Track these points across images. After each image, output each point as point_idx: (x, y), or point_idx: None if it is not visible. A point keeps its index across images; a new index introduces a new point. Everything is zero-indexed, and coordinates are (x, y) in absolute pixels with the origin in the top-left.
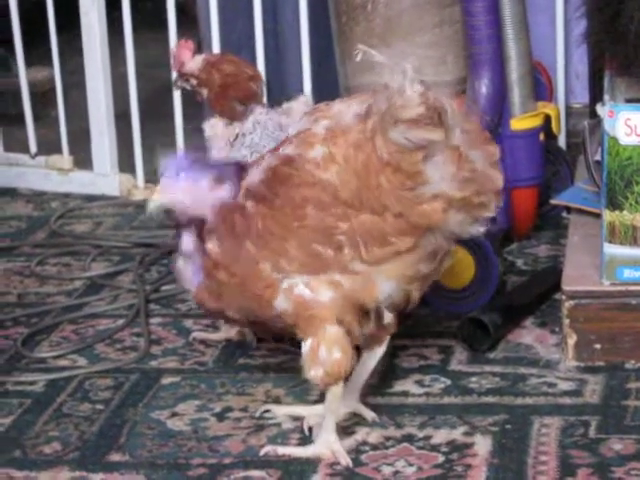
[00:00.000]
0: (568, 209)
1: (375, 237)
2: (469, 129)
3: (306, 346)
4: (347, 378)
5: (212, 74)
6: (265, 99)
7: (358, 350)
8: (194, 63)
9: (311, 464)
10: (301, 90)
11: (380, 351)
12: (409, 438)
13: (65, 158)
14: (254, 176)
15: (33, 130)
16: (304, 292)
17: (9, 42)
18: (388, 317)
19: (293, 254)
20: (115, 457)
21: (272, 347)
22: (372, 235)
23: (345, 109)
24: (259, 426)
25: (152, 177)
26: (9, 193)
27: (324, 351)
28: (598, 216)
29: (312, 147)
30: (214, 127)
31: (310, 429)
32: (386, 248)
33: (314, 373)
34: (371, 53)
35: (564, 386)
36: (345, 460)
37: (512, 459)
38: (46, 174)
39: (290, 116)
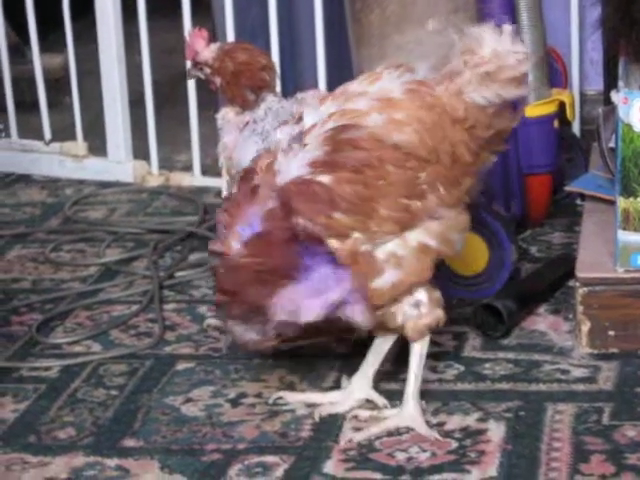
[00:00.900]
0: (582, 196)
1: (450, 180)
2: None
3: (412, 300)
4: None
5: (225, 62)
6: (278, 88)
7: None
8: (208, 52)
9: (325, 450)
10: (315, 78)
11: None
12: None
13: (79, 145)
14: (313, 153)
15: (47, 117)
16: (397, 249)
17: (24, 29)
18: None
19: (383, 214)
20: (129, 442)
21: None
22: (447, 179)
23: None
24: (273, 412)
25: (166, 164)
26: (23, 180)
27: (427, 304)
28: (612, 203)
29: (367, 115)
30: (225, 116)
31: (321, 417)
32: (459, 188)
33: (414, 324)
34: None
35: (577, 373)
36: (431, 434)
37: (525, 445)
38: (60, 161)
39: (303, 104)
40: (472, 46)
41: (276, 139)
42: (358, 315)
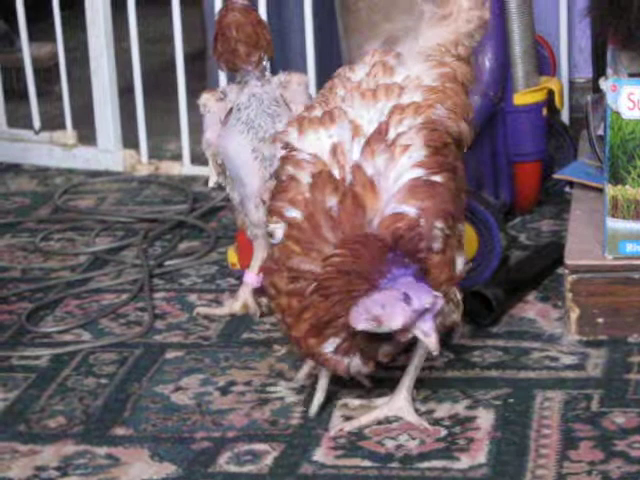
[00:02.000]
0: (571, 184)
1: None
2: None
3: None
4: None
5: (249, 18)
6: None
7: None
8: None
9: (314, 437)
10: (304, 67)
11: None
12: None
13: (69, 134)
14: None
15: (37, 106)
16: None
17: (12, 17)
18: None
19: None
20: (119, 431)
21: (275, 321)
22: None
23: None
24: (263, 400)
25: (155, 152)
26: (13, 169)
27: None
28: (601, 191)
29: (433, 108)
30: (207, 104)
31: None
32: None
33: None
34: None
35: (567, 360)
36: (420, 423)
37: (515, 432)
38: (50, 150)
39: (288, 89)
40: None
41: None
42: (430, 330)
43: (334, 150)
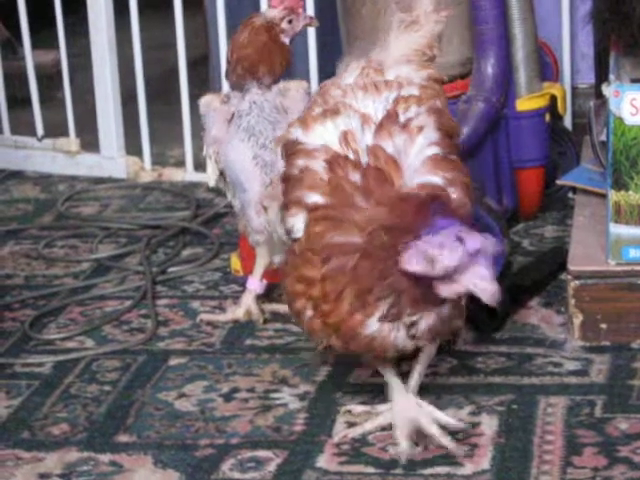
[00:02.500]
0: (574, 189)
1: None
2: None
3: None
4: None
5: (271, 32)
6: None
7: None
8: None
9: (317, 444)
10: (307, 71)
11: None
12: None
13: (72, 141)
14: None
15: (40, 113)
16: None
17: (15, 25)
18: None
19: None
20: (123, 438)
21: (279, 328)
22: None
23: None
24: (266, 407)
25: (158, 159)
26: (16, 176)
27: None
28: (604, 196)
29: (433, 100)
30: (211, 104)
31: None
32: None
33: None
34: None
35: (570, 366)
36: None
37: (518, 438)
38: (53, 157)
39: (287, 97)
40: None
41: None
42: (487, 274)
43: (345, 138)
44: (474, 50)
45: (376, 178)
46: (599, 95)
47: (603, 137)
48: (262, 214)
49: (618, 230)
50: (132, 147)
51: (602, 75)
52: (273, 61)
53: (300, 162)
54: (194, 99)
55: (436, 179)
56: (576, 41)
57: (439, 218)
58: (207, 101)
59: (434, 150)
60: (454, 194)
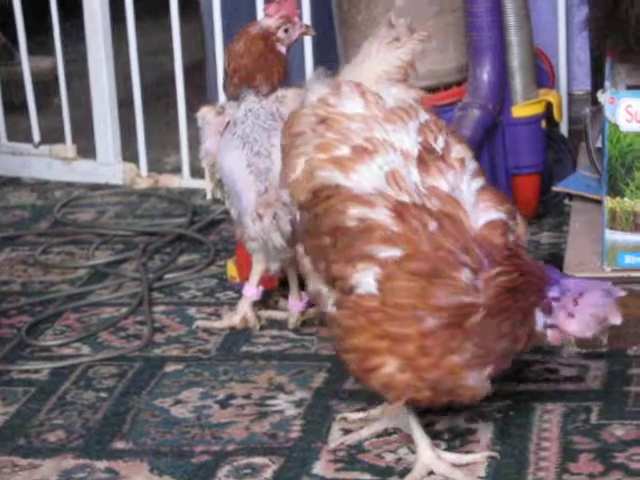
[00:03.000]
0: (570, 196)
1: None
2: None
3: None
4: None
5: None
6: None
7: None
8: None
9: (314, 451)
10: (303, 78)
11: None
12: None
13: (68, 147)
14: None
15: (36, 119)
16: None
17: (12, 31)
18: None
19: None
20: (119, 445)
21: (275, 335)
22: None
23: None
24: (262, 413)
25: (155, 165)
26: (13, 182)
27: None
28: (600, 203)
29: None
30: (205, 117)
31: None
32: None
33: None
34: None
35: (566, 372)
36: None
37: (514, 445)
38: (49, 163)
39: (284, 104)
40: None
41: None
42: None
43: (393, 178)
44: (470, 57)
45: (452, 225)
46: (595, 102)
47: (599, 144)
48: (257, 221)
49: (614, 236)
50: (128, 153)
51: (598, 82)
52: (270, 70)
53: (355, 212)
54: (190, 105)
55: (499, 215)
56: (572, 48)
57: (552, 272)
58: (203, 114)
59: (480, 182)
60: (517, 227)
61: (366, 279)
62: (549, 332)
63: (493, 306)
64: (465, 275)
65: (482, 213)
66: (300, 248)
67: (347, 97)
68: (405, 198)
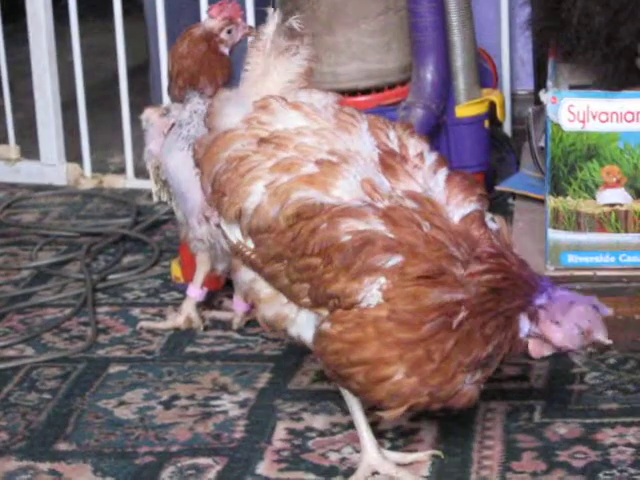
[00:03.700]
0: (513, 195)
1: None
2: None
3: None
4: None
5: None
6: None
7: None
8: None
9: (258, 451)
10: None
11: None
12: None
13: (12, 148)
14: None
15: None
16: None
17: None
18: None
19: None
20: (62, 446)
21: (219, 335)
22: None
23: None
24: (206, 414)
25: (99, 166)
26: None
27: None
28: (543, 202)
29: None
30: (150, 118)
31: None
32: None
33: None
34: None
35: (509, 371)
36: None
37: (458, 444)
38: None
39: None
40: None
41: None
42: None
43: (368, 187)
44: (413, 57)
45: (441, 222)
46: (538, 102)
47: (542, 143)
48: (204, 224)
49: (557, 236)
50: (72, 154)
51: (541, 82)
52: (213, 72)
53: (346, 226)
54: (135, 106)
55: (473, 206)
56: (515, 48)
57: (540, 278)
58: (147, 115)
59: (444, 173)
60: (501, 228)
61: (372, 291)
62: (531, 342)
63: (476, 305)
64: (459, 271)
65: (456, 209)
66: (246, 275)
67: (281, 112)
68: (387, 204)
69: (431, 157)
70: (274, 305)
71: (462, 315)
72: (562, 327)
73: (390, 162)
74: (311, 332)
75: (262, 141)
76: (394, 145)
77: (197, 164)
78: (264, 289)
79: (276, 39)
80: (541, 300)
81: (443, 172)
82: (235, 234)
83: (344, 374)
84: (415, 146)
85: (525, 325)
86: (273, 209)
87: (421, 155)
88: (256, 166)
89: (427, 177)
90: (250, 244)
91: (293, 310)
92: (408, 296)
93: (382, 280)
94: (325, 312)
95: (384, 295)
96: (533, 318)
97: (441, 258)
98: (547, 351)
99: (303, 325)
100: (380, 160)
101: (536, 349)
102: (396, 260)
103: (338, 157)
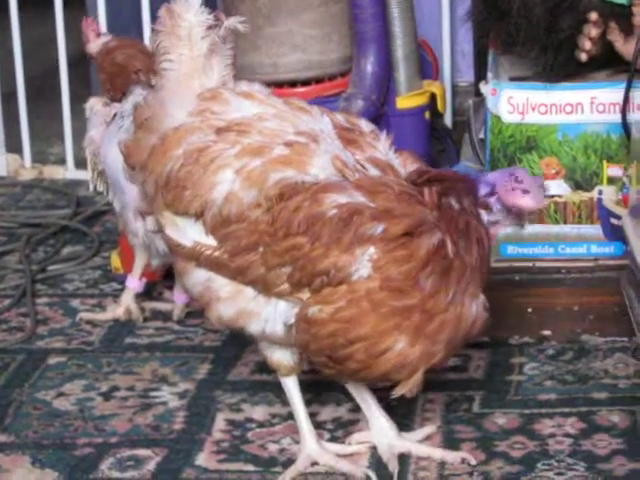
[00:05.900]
0: None
1: None
2: None
3: None
4: None
5: (105, 60)
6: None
7: None
8: (95, 45)
9: (197, 442)
10: None
11: None
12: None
13: None
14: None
15: None
16: None
17: None
18: None
19: None
20: (1, 438)
21: (159, 326)
22: None
23: None
24: (145, 405)
25: (39, 157)
26: None
27: None
28: None
29: None
30: (94, 107)
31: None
32: None
33: None
34: None
35: (449, 361)
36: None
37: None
38: None
39: None
40: None
41: None
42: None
43: (339, 162)
44: (354, 48)
45: (404, 183)
46: (478, 93)
47: (482, 135)
48: (139, 219)
49: None
50: (12, 145)
51: (481, 73)
52: (129, 74)
53: (331, 200)
54: (75, 97)
55: (416, 164)
56: (456, 39)
57: (467, 174)
58: (91, 104)
59: (394, 147)
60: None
61: (363, 262)
62: (491, 230)
63: (449, 221)
64: (431, 215)
65: (405, 168)
66: (200, 276)
67: (234, 101)
68: (357, 177)
69: (383, 134)
70: (236, 302)
71: (449, 242)
72: (531, 193)
73: (351, 136)
74: (281, 325)
75: (221, 130)
76: (347, 124)
77: (132, 167)
78: (225, 287)
79: (201, 29)
80: (484, 190)
81: (394, 148)
82: (191, 235)
83: (341, 355)
84: (366, 125)
85: (484, 217)
86: (248, 194)
87: (374, 132)
88: (219, 155)
89: (386, 148)
90: (211, 242)
91: (260, 304)
92: (399, 260)
93: (372, 250)
94: (306, 295)
95: (374, 265)
96: (486, 208)
97: (416, 211)
98: (503, 229)
99: (271, 319)
100: (340, 137)
101: (493, 235)
102: (381, 227)
103: (306, 137)
